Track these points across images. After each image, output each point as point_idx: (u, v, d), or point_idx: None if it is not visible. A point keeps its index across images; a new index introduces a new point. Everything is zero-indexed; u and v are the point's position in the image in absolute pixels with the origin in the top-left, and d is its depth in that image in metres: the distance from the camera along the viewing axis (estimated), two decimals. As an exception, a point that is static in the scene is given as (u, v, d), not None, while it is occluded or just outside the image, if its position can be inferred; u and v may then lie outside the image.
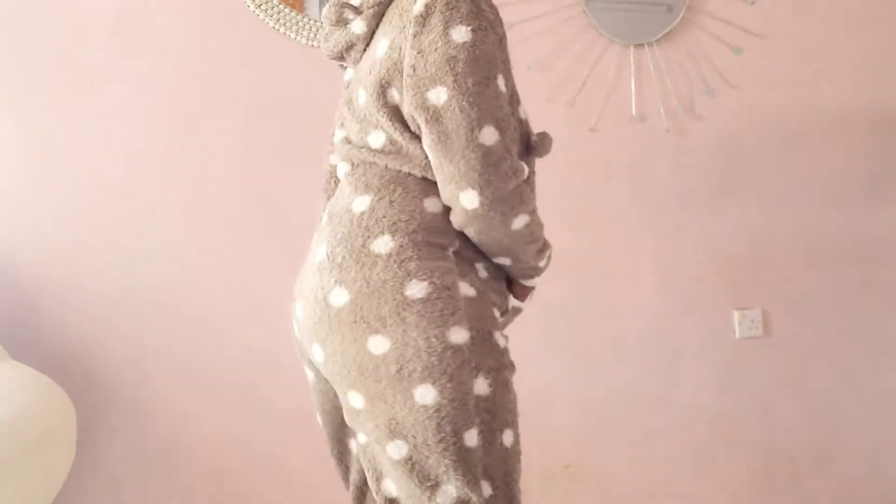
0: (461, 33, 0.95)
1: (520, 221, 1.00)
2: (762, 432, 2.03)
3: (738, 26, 2.00)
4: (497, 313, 1.05)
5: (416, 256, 0.97)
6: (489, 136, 0.95)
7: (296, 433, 1.87)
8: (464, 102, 0.94)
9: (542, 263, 1.10)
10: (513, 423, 1.00)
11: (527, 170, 1.02)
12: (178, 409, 1.84)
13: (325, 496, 1.89)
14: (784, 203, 2.03)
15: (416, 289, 0.95)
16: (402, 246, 0.98)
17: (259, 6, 1.85)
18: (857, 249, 2.05)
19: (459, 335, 0.95)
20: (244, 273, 1.85)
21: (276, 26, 1.86)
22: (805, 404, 2.04)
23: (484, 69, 0.96)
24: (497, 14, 1.00)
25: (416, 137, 1.01)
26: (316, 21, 1.87)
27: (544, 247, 1.09)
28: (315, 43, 1.87)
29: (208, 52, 1.85)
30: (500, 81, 0.98)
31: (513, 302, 1.12)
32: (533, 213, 1.03)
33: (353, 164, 1.07)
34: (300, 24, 1.86)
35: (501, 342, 1.01)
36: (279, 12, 1.86)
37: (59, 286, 1.80)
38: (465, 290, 0.99)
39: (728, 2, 2.00)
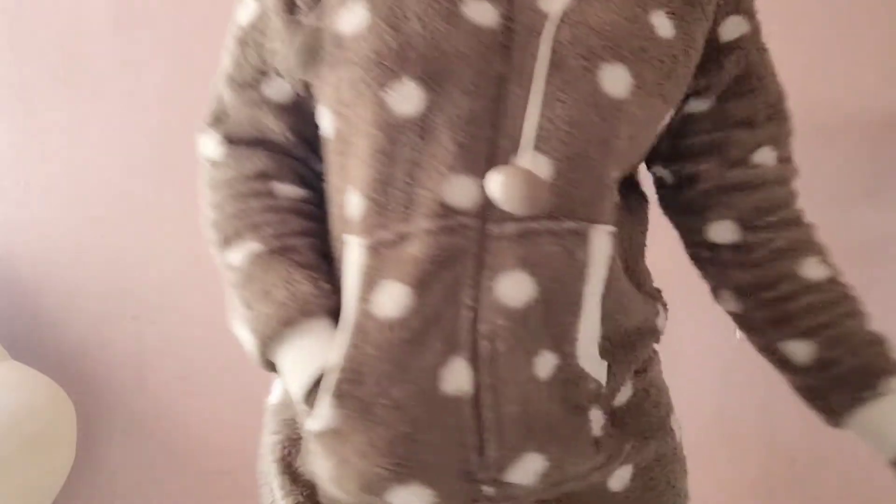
0: None
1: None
2: (762, 432, 2.03)
3: (738, 26, 2.00)
4: None
5: None
6: None
7: (296, 433, 1.87)
8: None
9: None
10: None
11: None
12: (179, 409, 1.84)
13: (325, 496, 1.89)
14: (784, 203, 2.03)
15: None
16: None
17: (259, 6, 1.85)
18: (857, 249, 2.05)
19: None
20: (244, 273, 1.85)
21: (276, 26, 1.86)
22: (805, 404, 2.04)
23: None
24: None
25: None
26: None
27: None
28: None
29: (209, 52, 1.84)
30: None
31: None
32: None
33: None
34: (300, 24, 1.86)
35: None
36: (279, 12, 1.86)
37: (59, 286, 1.80)
38: None
39: (728, 2, 2.00)
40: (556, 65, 0.60)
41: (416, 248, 0.59)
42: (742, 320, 0.82)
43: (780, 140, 0.78)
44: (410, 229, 0.60)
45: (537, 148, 0.60)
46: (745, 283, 0.77)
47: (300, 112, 0.71)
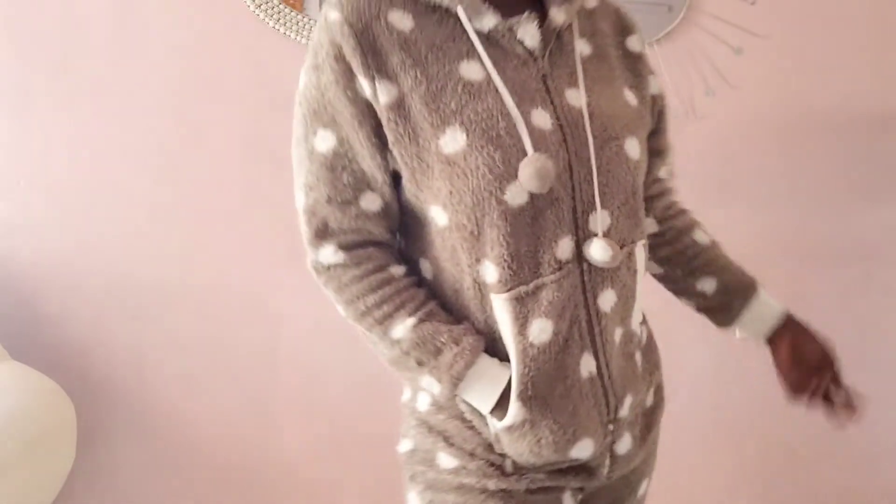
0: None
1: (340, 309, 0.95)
2: (762, 432, 2.04)
3: (738, 26, 2.00)
4: None
5: None
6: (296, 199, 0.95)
7: (296, 432, 1.87)
8: None
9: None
10: None
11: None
12: (178, 408, 1.84)
13: (325, 495, 1.89)
14: (784, 203, 2.03)
15: None
16: None
17: (259, 6, 1.85)
18: (857, 249, 2.05)
19: None
20: (244, 273, 1.85)
21: (276, 26, 1.86)
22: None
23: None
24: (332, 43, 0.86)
25: None
26: (316, 21, 1.87)
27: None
28: (315, 43, 1.87)
29: (208, 52, 1.85)
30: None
31: None
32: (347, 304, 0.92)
33: None
34: (300, 24, 1.86)
35: None
36: (279, 12, 1.86)
37: (59, 286, 1.80)
38: None
39: (728, 2, 2.00)
40: (599, 147, 0.88)
41: (549, 294, 0.86)
42: (664, 277, 1.15)
43: (669, 159, 1.12)
44: (542, 282, 0.86)
45: (602, 206, 0.88)
46: (665, 255, 1.13)
47: (390, 214, 0.92)
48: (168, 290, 1.83)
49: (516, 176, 0.83)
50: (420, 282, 0.94)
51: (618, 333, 0.93)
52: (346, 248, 0.92)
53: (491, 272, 0.86)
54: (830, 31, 2.04)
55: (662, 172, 1.11)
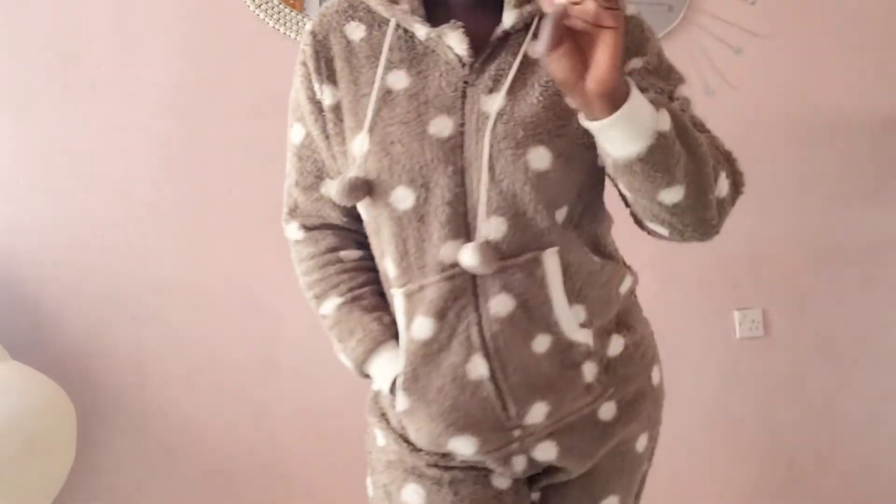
0: None
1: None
2: (762, 432, 2.03)
3: (738, 26, 2.00)
4: None
5: None
6: None
7: (295, 433, 1.87)
8: None
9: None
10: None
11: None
12: (178, 409, 1.84)
13: (324, 496, 1.89)
14: (784, 203, 2.03)
15: None
16: None
17: (259, 6, 1.85)
18: (857, 249, 2.05)
19: None
20: (244, 273, 1.85)
21: (276, 26, 1.86)
22: (805, 404, 2.04)
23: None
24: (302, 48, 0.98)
25: None
26: (316, 21, 1.87)
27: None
28: (315, 43, 1.87)
29: (208, 52, 1.85)
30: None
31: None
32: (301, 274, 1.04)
33: None
34: (300, 24, 1.86)
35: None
36: (279, 12, 1.86)
37: (59, 286, 1.80)
38: None
39: (728, 2, 2.00)
40: (494, 155, 0.86)
41: (431, 293, 0.89)
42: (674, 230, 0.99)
43: None
44: (426, 281, 0.89)
45: (494, 213, 0.87)
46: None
47: None
48: (168, 290, 1.83)
49: (401, 182, 0.87)
50: (373, 267, 1.00)
51: (541, 340, 0.89)
52: (307, 228, 1.02)
53: (391, 268, 0.93)
54: (830, 31, 2.04)
55: None
